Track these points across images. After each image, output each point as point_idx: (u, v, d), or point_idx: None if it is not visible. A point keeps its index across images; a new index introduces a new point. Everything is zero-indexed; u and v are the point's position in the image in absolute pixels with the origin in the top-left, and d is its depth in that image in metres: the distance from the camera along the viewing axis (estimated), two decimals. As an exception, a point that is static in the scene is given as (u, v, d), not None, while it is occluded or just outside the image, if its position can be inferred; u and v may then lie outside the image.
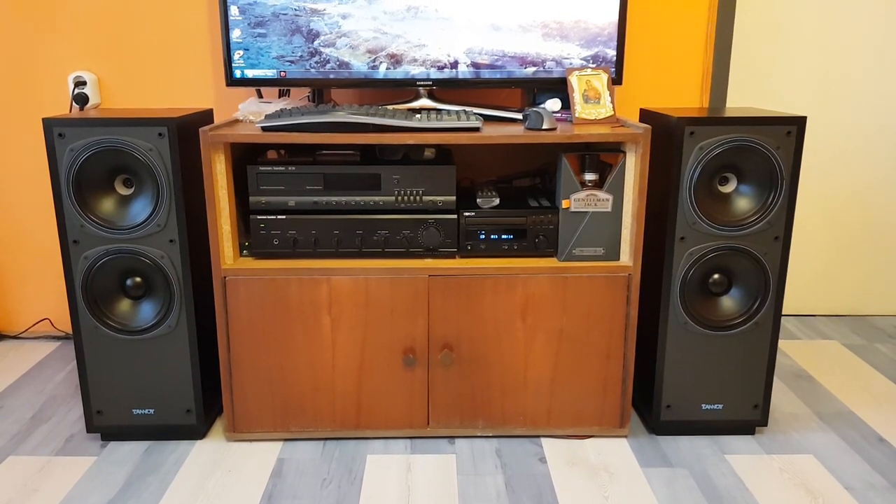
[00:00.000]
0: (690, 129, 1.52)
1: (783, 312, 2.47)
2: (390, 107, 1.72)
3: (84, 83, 2.07)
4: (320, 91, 1.88)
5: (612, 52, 1.76)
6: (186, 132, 1.56)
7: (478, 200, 1.66)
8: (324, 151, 1.67)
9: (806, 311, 2.48)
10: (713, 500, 1.48)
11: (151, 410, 1.66)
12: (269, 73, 1.75)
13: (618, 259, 1.62)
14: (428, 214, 1.61)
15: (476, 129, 1.56)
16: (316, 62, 1.75)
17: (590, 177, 1.60)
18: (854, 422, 1.80)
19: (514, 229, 1.63)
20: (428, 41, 1.74)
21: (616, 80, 1.77)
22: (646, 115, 1.73)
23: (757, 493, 1.50)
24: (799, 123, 1.52)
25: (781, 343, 2.26)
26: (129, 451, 1.65)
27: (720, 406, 1.68)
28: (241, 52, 1.74)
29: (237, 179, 1.62)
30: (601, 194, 1.59)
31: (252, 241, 1.61)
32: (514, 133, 1.55)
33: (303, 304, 1.59)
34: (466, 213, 1.62)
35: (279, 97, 1.99)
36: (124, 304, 1.61)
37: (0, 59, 2.08)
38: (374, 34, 1.73)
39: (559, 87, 1.78)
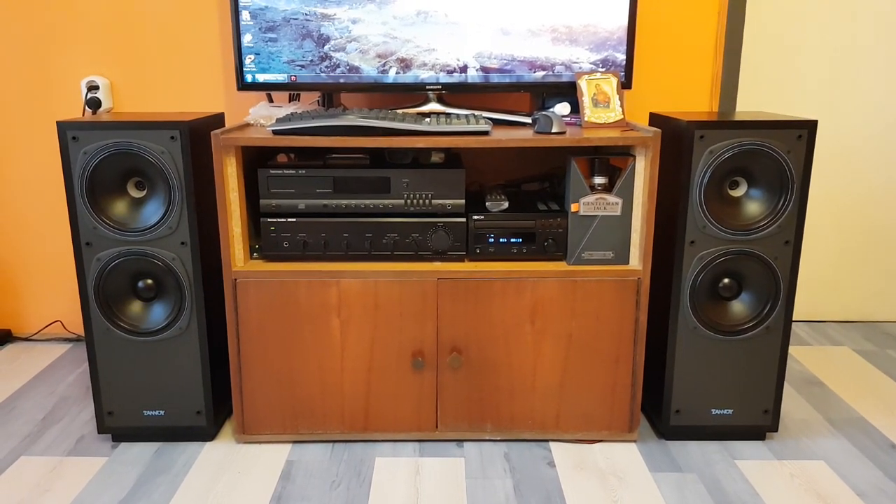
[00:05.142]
0: (700, 133, 1.52)
1: (794, 318, 2.46)
2: (400, 111, 1.73)
3: (97, 87, 2.09)
4: (330, 95, 1.89)
5: (621, 56, 1.76)
6: (198, 136, 1.57)
7: (487, 204, 1.67)
8: (333, 155, 1.68)
9: (817, 316, 2.46)
10: (723, 506, 1.48)
11: (162, 412, 1.67)
12: (280, 77, 1.77)
13: (627, 263, 1.62)
14: (437, 218, 1.62)
15: (485, 133, 1.56)
16: (326, 66, 1.76)
17: (599, 180, 1.60)
18: (865, 428, 1.78)
19: (523, 233, 1.63)
20: (437, 45, 1.74)
21: (625, 84, 1.77)
22: (655, 119, 1.73)
23: (767, 499, 1.49)
24: (809, 127, 1.52)
25: (792, 349, 2.25)
26: (139, 453, 1.66)
27: (730, 411, 1.68)
28: (253, 57, 1.75)
29: (248, 182, 1.64)
30: (610, 198, 1.59)
31: (262, 243, 1.62)
32: (523, 137, 1.56)
33: (312, 306, 1.60)
34: (475, 217, 1.63)
35: (289, 101, 2.00)
36: (136, 306, 1.62)
37: (15, 63, 2.11)
38: (384, 39, 1.74)
39: (568, 91, 1.78)
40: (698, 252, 1.58)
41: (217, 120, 1.74)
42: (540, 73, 1.77)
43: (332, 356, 1.63)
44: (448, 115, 1.73)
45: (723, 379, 1.65)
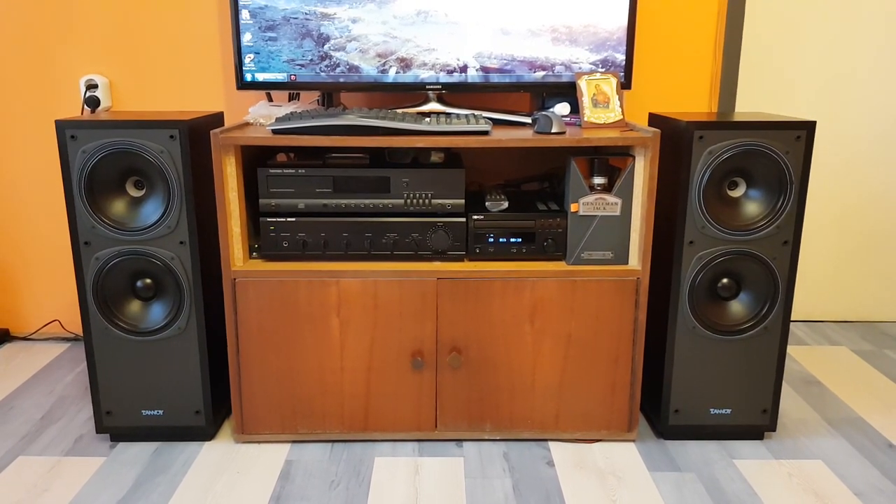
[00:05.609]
0: (699, 134, 1.52)
1: (792, 318, 2.47)
2: (400, 110, 1.73)
3: (95, 86, 2.08)
4: (330, 94, 1.89)
5: (621, 57, 1.76)
6: (197, 135, 1.57)
7: (486, 204, 1.67)
8: (333, 154, 1.68)
9: (815, 316, 2.47)
10: (722, 505, 1.48)
11: (160, 411, 1.67)
12: (280, 76, 1.76)
13: (626, 263, 1.62)
14: (437, 217, 1.62)
15: (485, 133, 1.56)
16: (326, 66, 1.76)
17: (598, 181, 1.61)
18: (863, 427, 1.79)
19: (523, 233, 1.63)
20: (437, 45, 1.74)
21: (625, 84, 1.77)
22: (655, 120, 1.74)
23: (766, 499, 1.50)
24: (808, 128, 1.52)
25: (790, 348, 2.25)
26: (138, 452, 1.66)
27: (728, 411, 1.68)
28: (252, 56, 1.75)
29: (247, 182, 1.63)
30: (610, 198, 1.59)
31: (262, 243, 1.62)
32: (523, 137, 1.56)
33: (312, 306, 1.60)
34: (475, 217, 1.63)
35: (289, 101, 2.00)
36: (134, 306, 1.62)
37: (14, 62, 2.10)
38: (384, 38, 1.74)
39: (568, 91, 1.78)
40: (697, 252, 1.58)
41: (216, 119, 1.74)
42: (540, 73, 1.77)
43: (332, 356, 1.63)
44: (448, 114, 1.73)
45: (721, 379, 1.66)
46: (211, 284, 1.66)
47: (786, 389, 1.99)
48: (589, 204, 1.59)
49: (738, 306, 1.63)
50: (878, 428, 1.79)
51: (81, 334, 2.27)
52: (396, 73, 1.76)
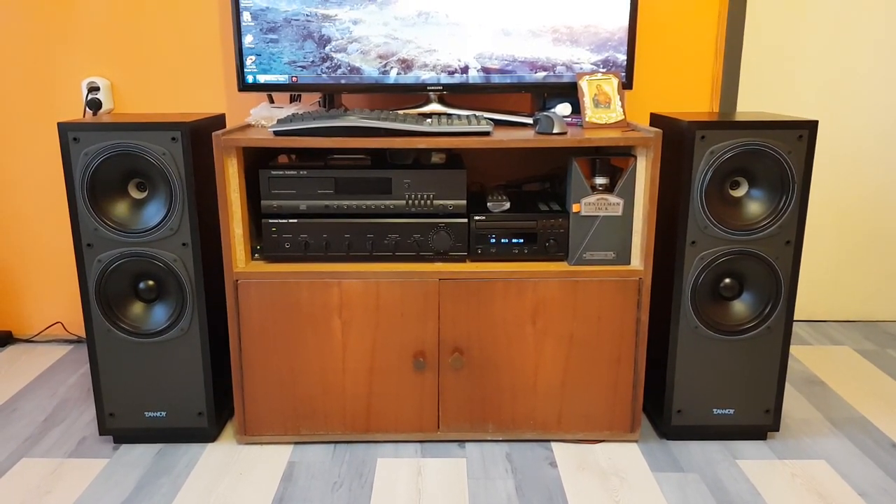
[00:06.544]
0: (701, 133, 1.52)
1: (795, 318, 2.46)
2: (401, 111, 1.73)
3: (97, 89, 2.09)
4: (331, 96, 1.89)
5: (622, 57, 1.76)
6: (199, 137, 1.57)
7: (488, 204, 1.67)
8: (335, 156, 1.68)
9: (817, 316, 2.46)
10: (725, 506, 1.48)
11: (163, 413, 1.67)
12: (281, 78, 1.77)
13: (628, 263, 1.62)
14: (438, 218, 1.62)
15: (487, 134, 1.56)
16: (327, 67, 1.76)
17: (600, 181, 1.60)
18: (866, 427, 1.78)
19: (525, 233, 1.63)
20: (438, 46, 1.74)
21: (626, 84, 1.77)
22: (656, 120, 1.73)
23: (769, 499, 1.49)
24: (810, 127, 1.52)
25: (793, 348, 2.25)
26: (140, 454, 1.66)
27: (731, 411, 1.68)
28: (254, 58, 1.75)
29: (249, 183, 1.64)
30: (612, 198, 1.59)
31: (264, 244, 1.62)
32: (524, 137, 1.56)
33: (314, 307, 1.60)
34: (477, 217, 1.63)
35: (290, 102, 2.00)
36: (137, 307, 1.62)
37: (15, 64, 2.11)
38: (385, 39, 1.74)
39: (569, 91, 1.78)
40: (699, 252, 1.58)
41: (218, 121, 1.74)
42: (541, 74, 1.77)
43: (334, 357, 1.63)
44: (449, 115, 1.73)
45: (724, 379, 1.66)
46: (213, 286, 1.66)
47: (789, 389, 1.98)
48: (591, 204, 1.59)
49: (740, 306, 1.63)
50: (882, 427, 1.78)
51: (84, 336, 2.27)
52: (397, 74, 1.76)
